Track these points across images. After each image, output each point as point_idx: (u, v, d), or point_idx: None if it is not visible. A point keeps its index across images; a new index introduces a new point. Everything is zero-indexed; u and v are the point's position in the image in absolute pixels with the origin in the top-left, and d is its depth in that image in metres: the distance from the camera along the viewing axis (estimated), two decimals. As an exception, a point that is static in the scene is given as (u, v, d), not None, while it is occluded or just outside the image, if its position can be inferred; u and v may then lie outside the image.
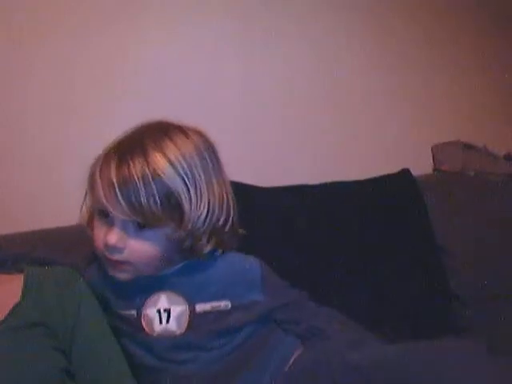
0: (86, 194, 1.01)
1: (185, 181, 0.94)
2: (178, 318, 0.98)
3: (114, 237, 0.93)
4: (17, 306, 0.96)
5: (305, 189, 1.52)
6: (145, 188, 0.90)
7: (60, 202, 1.38)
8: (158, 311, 0.98)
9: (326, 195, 1.53)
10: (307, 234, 1.45)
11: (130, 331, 1.00)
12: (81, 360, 0.96)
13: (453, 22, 1.98)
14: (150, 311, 0.99)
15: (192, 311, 0.98)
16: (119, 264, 0.97)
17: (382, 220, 1.52)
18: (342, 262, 1.44)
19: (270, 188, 1.49)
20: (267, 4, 1.74)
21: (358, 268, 1.45)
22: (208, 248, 1.00)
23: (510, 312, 1.49)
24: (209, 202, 0.97)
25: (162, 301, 0.99)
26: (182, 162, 0.95)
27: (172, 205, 0.93)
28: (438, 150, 1.84)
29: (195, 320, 0.98)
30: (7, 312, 0.95)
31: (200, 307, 0.98)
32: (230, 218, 1.01)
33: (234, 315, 1.00)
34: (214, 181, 1.00)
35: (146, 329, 0.99)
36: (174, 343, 0.98)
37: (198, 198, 0.95)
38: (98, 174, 0.95)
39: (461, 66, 1.98)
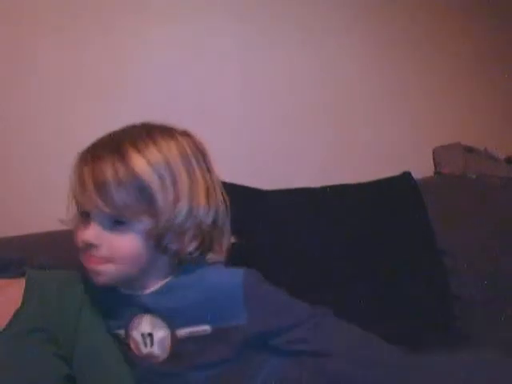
0: (71, 198, 1.00)
1: (162, 178, 0.92)
2: (161, 343, 0.95)
3: (89, 233, 0.92)
4: (18, 311, 0.95)
5: (305, 192, 1.52)
6: (117, 186, 0.90)
7: (61, 202, 1.37)
8: (142, 335, 0.96)
9: (327, 198, 1.53)
10: (308, 236, 1.44)
11: (120, 349, 0.98)
12: (82, 365, 0.95)
13: (453, 23, 1.99)
14: (136, 334, 0.97)
15: (173, 336, 0.95)
16: (99, 263, 0.93)
17: (383, 223, 1.52)
18: (342, 265, 1.43)
19: (270, 191, 1.49)
20: (267, 5, 1.73)
21: (359, 271, 1.45)
22: (191, 247, 0.96)
23: (510, 312, 1.48)
24: (191, 199, 0.94)
25: (144, 325, 0.96)
26: (161, 162, 0.93)
27: (147, 199, 0.91)
28: (438, 153, 1.84)
29: (177, 346, 0.95)
30: (9, 318, 0.94)
31: (180, 332, 0.95)
32: (219, 221, 0.99)
33: (216, 342, 0.94)
34: (200, 180, 0.97)
35: (134, 350, 0.97)
36: (156, 369, 0.96)
37: (177, 193, 0.93)
38: (73, 173, 0.95)
39: (461, 68, 1.99)
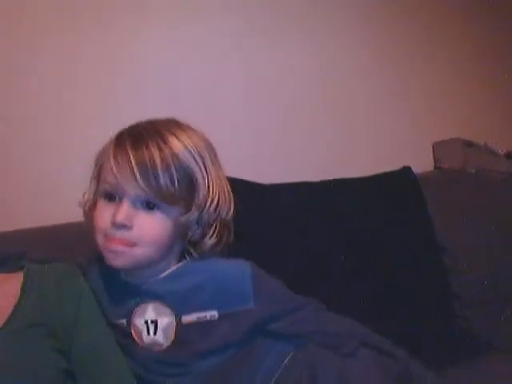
0: (90, 182, 1.02)
1: (198, 164, 0.96)
2: (165, 330, 0.96)
3: (122, 214, 0.92)
4: (16, 306, 0.95)
5: (306, 186, 1.52)
6: (164, 167, 0.91)
7: (60, 200, 1.38)
8: (146, 322, 0.97)
9: (327, 193, 1.53)
10: (308, 231, 1.44)
11: (121, 340, 0.99)
12: (81, 359, 0.95)
13: (453, 22, 1.99)
14: (138, 322, 0.97)
15: (178, 323, 0.96)
16: (125, 245, 0.94)
17: (383, 217, 1.52)
18: (342, 261, 1.43)
19: (271, 185, 1.49)
20: (267, 5, 1.74)
21: (358, 267, 1.45)
22: (212, 241, 0.99)
23: (510, 312, 1.48)
24: (219, 190, 0.99)
25: (149, 311, 0.97)
26: (194, 147, 0.97)
27: (188, 185, 0.94)
28: (438, 148, 1.85)
29: (182, 333, 0.96)
30: (7, 313, 0.94)
31: (186, 319, 0.96)
32: (232, 212, 1.02)
33: (222, 328, 0.96)
34: (220, 172, 1.02)
35: (136, 338, 0.98)
36: (159, 358, 0.97)
37: (211, 182, 0.97)
38: (110, 156, 0.94)
39: (461, 64, 1.99)
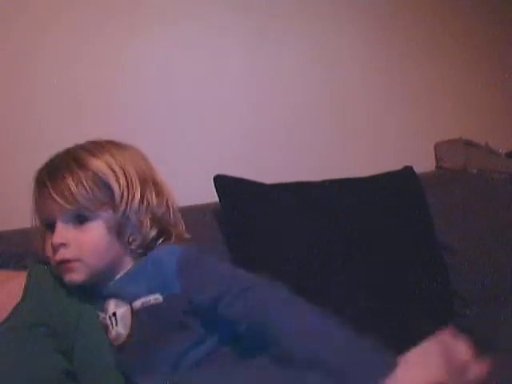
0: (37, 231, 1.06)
1: (110, 166, 1.00)
2: (123, 319, 0.98)
3: (56, 235, 0.98)
4: (18, 306, 0.96)
5: (307, 186, 1.52)
6: (72, 177, 0.97)
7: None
8: (109, 317, 0.99)
9: (329, 192, 1.53)
10: (308, 230, 1.44)
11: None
12: (82, 361, 0.95)
13: (455, 21, 1.99)
14: (105, 318, 1.00)
15: (132, 310, 0.99)
16: (70, 263, 0.98)
17: (384, 217, 1.52)
18: (342, 260, 1.44)
19: (272, 185, 1.49)
20: (268, 3, 1.73)
21: (359, 265, 1.45)
22: (151, 234, 1.02)
23: (510, 312, 1.48)
24: (142, 189, 1.02)
25: (111, 306, 1.00)
26: (108, 154, 1.01)
27: (102, 187, 0.99)
28: (440, 148, 1.85)
29: (135, 319, 0.98)
30: (8, 312, 0.95)
31: (135, 305, 0.99)
32: (171, 213, 1.05)
33: (167, 311, 0.97)
34: (148, 174, 1.05)
35: (109, 335, 1.00)
36: (125, 351, 0.98)
37: (124, 178, 1.01)
38: (34, 197, 1.02)
39: (463, 64, 1.99)
